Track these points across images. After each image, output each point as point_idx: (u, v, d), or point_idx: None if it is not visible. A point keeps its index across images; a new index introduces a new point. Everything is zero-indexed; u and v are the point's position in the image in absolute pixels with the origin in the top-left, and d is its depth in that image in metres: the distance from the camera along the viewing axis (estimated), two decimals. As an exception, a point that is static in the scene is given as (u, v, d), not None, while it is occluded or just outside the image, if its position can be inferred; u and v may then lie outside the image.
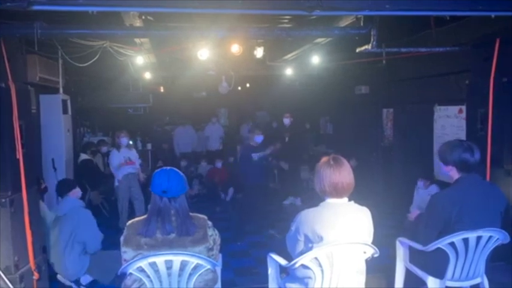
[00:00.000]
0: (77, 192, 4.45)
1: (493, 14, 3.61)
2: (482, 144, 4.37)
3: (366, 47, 4.61)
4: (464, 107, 5.55)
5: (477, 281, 3.12)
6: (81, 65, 5.97)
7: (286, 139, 8.14)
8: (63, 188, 4.41)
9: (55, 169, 6.84)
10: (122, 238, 2.55)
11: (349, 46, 5.41)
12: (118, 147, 7.03)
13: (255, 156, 6.18)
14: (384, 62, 5.64)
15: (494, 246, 2.99)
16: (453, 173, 3.06)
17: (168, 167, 2.66)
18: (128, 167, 6.92)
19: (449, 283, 3.06)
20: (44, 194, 4.86)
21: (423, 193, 5.59)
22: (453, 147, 3.05)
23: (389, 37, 4.94)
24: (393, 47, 5.01)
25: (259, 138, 6.43)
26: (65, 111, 7.21)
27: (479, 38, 4.71)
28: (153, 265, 2.46)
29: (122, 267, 2.48)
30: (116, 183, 6.97)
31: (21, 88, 3.62)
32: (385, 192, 7.80)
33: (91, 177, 7.57)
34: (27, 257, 3.54)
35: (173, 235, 2.51)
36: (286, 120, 8.40)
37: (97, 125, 11.31)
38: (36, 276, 3.57)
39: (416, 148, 6.86)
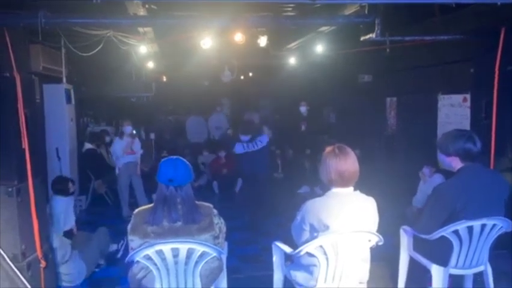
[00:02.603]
0: None
1: (498, 2, 3.59)
2: (486, 133, 4.37)
3: (370, 35, 4.59)
4: (468, 96, 5.52)
5: (480, 268, 3.14)
6: (84, 55, 5.97)
7: (303, 127, 8.03)
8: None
9: (59, 158, 6.89)
10: (129, 226, 2.58)
11: (352, 35, 5.37)
12: (120, 135, 7.05)
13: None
14: (388, 50, 5.61)
15: (498, 234, 3.00)
16: (455, 163, 3.05)
17: (174, 156, 2.67)
18: (128, 156, 6.94)
19: (453, 271, 3.08)
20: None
21: (429, 181, 5.58)
22: (455, 137, 3.04)
23: (393, 25, 4.91)
24: (397, 35, 4.98)
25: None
26: (68, 101, 7.23)
27: (484, 26, 4.67)
28: (160, 253, 2.48)
29: (129, 255, 2.51)
30: (117, 171, 7.03)
31: (25, 78, 3.62)
32: (388, 181, 7.78)
33: (95, 167, 7.60)
34: (34, 246, 3.57)
35: (179, 223, 2.53)
36: (303, 109, 8.28)
37: (101, 114, 11.31)
38: (43, 264, 3.61)
39: (420, 137, 6.83)
